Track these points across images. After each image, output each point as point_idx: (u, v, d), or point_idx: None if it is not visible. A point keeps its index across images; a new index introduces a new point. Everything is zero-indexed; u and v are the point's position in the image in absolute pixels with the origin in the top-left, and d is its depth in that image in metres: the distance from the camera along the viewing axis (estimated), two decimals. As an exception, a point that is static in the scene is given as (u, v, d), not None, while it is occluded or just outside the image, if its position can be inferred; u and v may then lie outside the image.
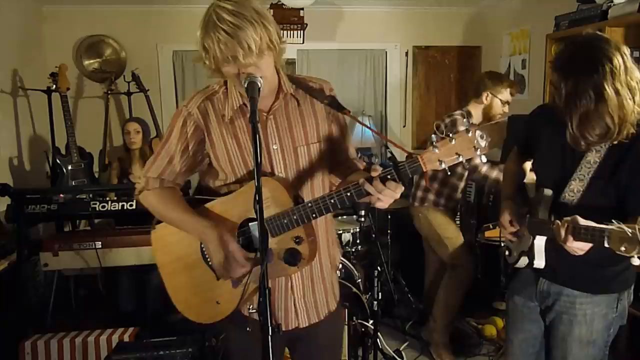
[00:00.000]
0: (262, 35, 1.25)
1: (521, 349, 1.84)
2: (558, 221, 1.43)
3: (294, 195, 1.40)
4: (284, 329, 1.51)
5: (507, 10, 4.45)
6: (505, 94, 2.89)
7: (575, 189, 1.56)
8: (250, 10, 1.25)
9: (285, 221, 1.35)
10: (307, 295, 1.55)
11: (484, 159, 1.08)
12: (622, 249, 1.22)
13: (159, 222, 1.53)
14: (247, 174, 1.44)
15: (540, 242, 1.64)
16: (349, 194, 1.30)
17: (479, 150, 1.17)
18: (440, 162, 1.19)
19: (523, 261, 1.72)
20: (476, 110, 2.94)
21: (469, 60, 4.94)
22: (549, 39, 3.39)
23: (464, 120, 2.85)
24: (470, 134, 1.16)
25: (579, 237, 1.36)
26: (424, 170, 1.21)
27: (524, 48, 4.16)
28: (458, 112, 2.92)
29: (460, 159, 1.18)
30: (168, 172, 1.48)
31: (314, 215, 1.34)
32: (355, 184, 1.28)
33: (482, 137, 1.16)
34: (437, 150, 1.18)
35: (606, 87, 1.41)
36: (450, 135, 1.17)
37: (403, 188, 1.25)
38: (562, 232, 1.40)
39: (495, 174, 2.76)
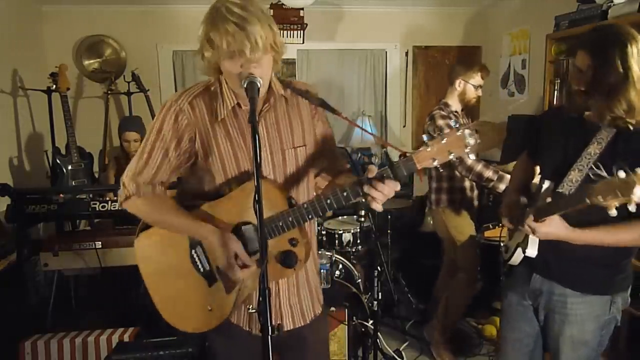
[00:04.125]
0: (268, 35, 1.26)
1: (515, 348, 1.84)
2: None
3: (288, 198, 1.39)
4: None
5: (507, 10, 4.45)
6: (476, 78, 2.95)
7: (574, 179, 1.57)
8: (257, 8, 1.27)
9: (280, 223, 1.35)
10: (292, 298, 1.54)
11: (472, 157, 1.12)
12: (600, 199, 1.26)
13: (142, 229, 1.48)
14: (239, 175, 1.42)
15: None
16: (345, 193, 1.30)
17: (468, 147, 1.22)
18: (433, 159, 1.24)
19: (517, 256, 1.73)
20: (452, 100, 2.99)
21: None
22: (549, 39, 3.39)
23: (442, 112, 2.89)
24: (459, 133, 1.22)
25: (539, 214, 1.45)
26: (418, 168, 1.25)
27: (524, 48, 4.16)
28: (435, 107, 2.96)
29: (452, 156, 1.23)
30: (161, 174, 1.40)
31: (310, 216, 1.34)
32: (352, 184, 1.29)
33: (470, 135, 1.22)
34: (429, 149, 1.23)
35: (633, 64, 1.46)
36: (442, 134, 1.23)
37: (398, 187, 1.27)
38: (528, 219, 1.50)
39: (480, 167, 2.79)
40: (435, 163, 1.24)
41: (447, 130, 1.23)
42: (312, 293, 1.60)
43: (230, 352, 1.55)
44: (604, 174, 1.37)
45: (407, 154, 1.26)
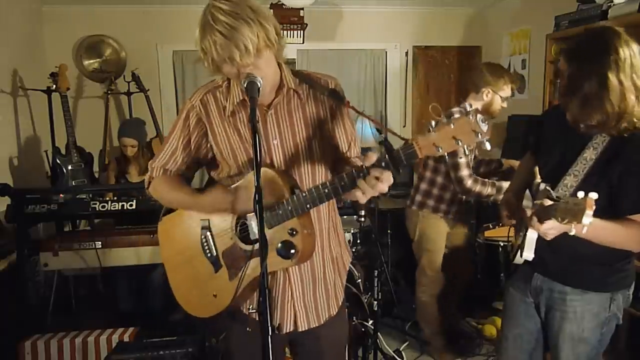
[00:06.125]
0: (259, 34, 1.24)
1: (516, 344, 1.83)
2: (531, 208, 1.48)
3: (291, 187, 1.36)
4: (283, 331, 1.50)
5: (507, 10, 4.45)
6: (506, 90, 2.78)
7: (569, 184, 1.56)
8: (245, 9, 1.24)
9: (280, 212, 1.32)
10: (307, 297, 1.52)
11: (488, 145, 1.05)
12: (560, 219, 1.25)
13: (165, 214, 1.55)
14: (250, 165, 1.42)
15: (532, 235, 1.63)
16: (342, 183, 1.25)
17: (480, 134, 1.07)
18: (437, 147, 1.10)
19: (519, 257, 1.73)
20: (475, 106, 2.83)
21: (469, 61, 4.94)
22: (549, 39, 3.39)
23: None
24: (470, 117, 1.07)
25: (542, 217, 1.39)
26: (420, 156, 1.14)
27: (524, 48, 4.16)
28: (456, 108, 2.81)
29: (460, 144, 1.09)
30: (171, 164, 1.51)
31: (308, 205, 1.31)
32: (349, 173, 1.24)
33: (483, 120, 1.07)
34: (433, 134, 1.11)
35: (610, 75, 1.42)
36: (449, 119, 1.10)
37: (392, 180, 1.19)
38: (530, 215, 1.43)
39: (478, 187, 2.69)
40: (440, 151, 1.10)
41: (456, 116, 1.11)
42: (329, 292, 1.56)
43: (245, 339, 1.54)
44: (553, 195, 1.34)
45: (409, 140, 1.16)
